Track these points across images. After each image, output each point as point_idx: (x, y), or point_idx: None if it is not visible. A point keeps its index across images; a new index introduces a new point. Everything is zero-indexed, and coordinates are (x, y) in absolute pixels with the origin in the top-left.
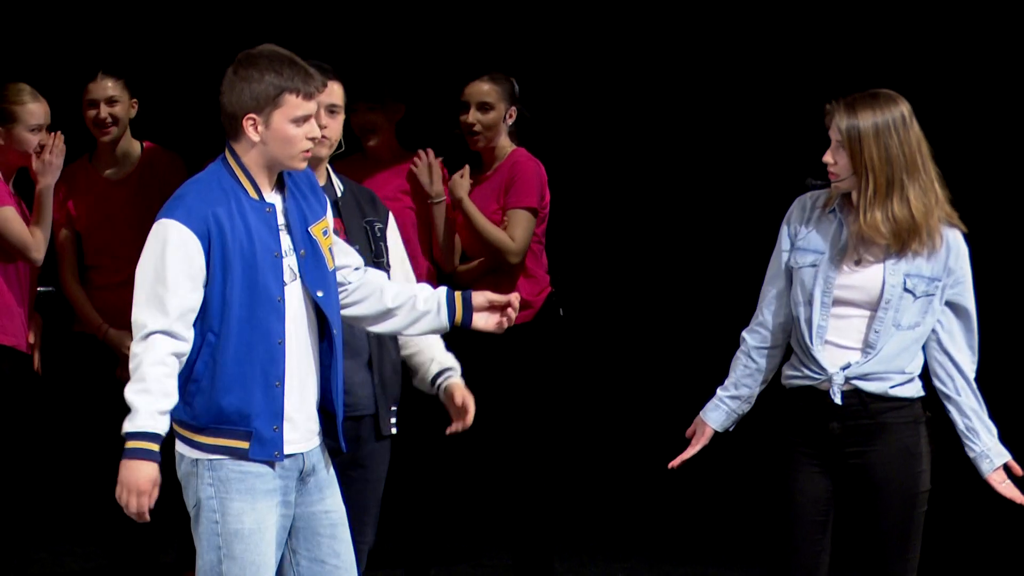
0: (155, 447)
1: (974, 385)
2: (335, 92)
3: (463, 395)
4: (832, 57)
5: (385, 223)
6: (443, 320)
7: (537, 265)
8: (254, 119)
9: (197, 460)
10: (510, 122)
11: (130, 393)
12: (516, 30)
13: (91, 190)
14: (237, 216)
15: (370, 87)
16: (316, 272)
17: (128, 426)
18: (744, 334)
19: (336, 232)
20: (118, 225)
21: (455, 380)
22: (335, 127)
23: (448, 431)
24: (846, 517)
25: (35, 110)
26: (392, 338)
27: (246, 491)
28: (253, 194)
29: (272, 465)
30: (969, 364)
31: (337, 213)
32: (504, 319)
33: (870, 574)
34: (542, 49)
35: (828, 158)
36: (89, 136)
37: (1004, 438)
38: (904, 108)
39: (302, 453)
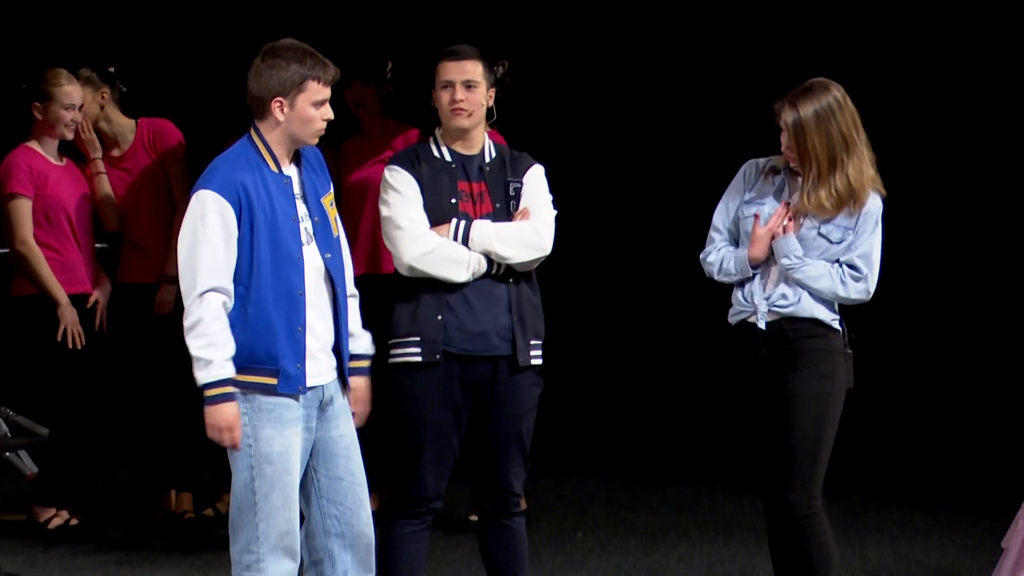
0: (231, 389)
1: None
2: (468, 69)
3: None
4: (830, 57)
5: (521, 182)
6: None
7: None
8: (281, 102)
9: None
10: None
11: (197, 348)
12: (508, 21)
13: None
14: (261, 185)
15: (363, 65)
16: (325, 237)
17: (205, 377)
18: (705, 252)
19: (482, 195)
20: (133, 192)
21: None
22: (474, 99)
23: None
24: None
25: (70, 91)
26: (528, 280)
27: (275, 420)
28: (273, 167)
29: (296, 397)
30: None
31: (482, 177)
32: None
33: (783, 478)
34: (539, 47)
35: (784, 144)
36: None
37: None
38: (837, 92)
39: (321, 386)
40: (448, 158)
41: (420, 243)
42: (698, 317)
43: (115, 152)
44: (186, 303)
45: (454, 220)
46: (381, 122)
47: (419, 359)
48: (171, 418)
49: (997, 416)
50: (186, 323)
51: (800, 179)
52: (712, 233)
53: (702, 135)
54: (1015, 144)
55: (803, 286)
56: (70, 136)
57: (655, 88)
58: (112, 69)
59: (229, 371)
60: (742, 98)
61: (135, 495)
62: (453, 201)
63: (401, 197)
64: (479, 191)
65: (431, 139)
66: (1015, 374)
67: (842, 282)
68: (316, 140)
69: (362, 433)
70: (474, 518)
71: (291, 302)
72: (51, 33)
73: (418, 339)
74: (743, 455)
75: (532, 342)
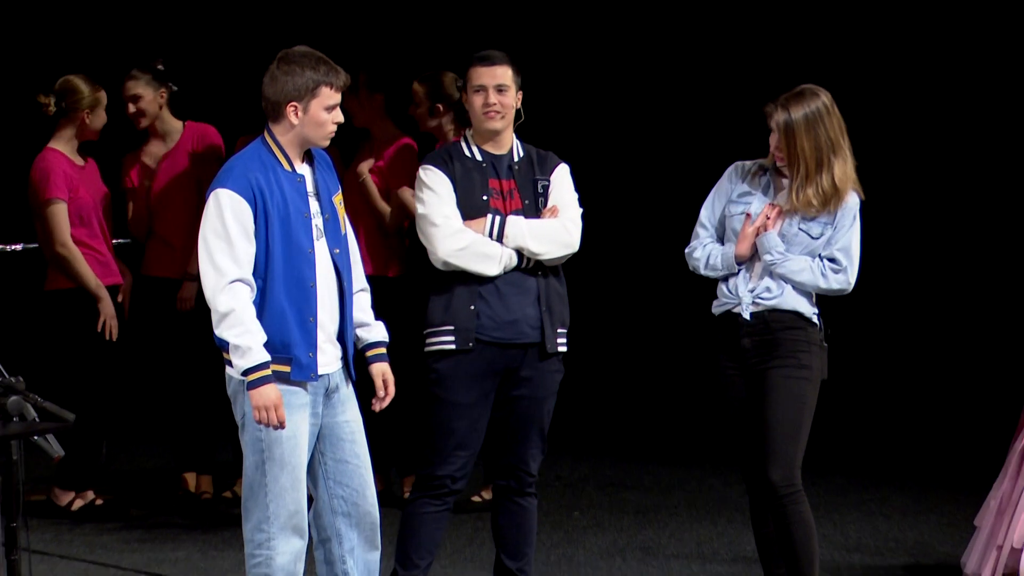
0: (270, 372)
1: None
2: (499, 74)
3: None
4: (819, 63)
5: (548, 180)
6: None
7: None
8: (295, 106)
9: (244, 381)
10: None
11: (234, 336)
12: (503, 27)
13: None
14: (274, 183)
15: (371, 77)
16: (335, 234)
17: (244, 363)
18: (688, 247)
19: (511, 192)
20: (167, 188)
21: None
22: (506, 101)
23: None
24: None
25: (103, 96)
26: (555, 272)
27: (285, 406)
28: (287, 166)
29: (306, 385)
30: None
31: (512, 175)
32: None
33: (765, 460)
34: (538, 45)
35: (772, 145)
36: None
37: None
38: (825, 98)
39: (328, 374)
40: (479, 157)
41: (455, 239)
42: (687, 308)
43: (159, 148)
44: (211, 296)
45: (489, 216)
46: (386, 130)
47: (453, 347)
48: (191, 404)
49: (970, 402)
50: (218, 313)
51: (786, 180)
52: (698, 229)
53: (700, 136)
54: (984, 144)
55: (786, 280)
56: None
57: (651, 93)
58: (160, 67)
59: (266, 355)
60: (734, 101)
61: (157, 477)
62: (484, 198)
63: (435, 195)
64: (509, 188)
65: (462, 139)
66: (986, 362)
67: (823, 275)
68: (327, 142)
69: (383, 419)
70: (477, 499)
71: (303, 294)
72: (64, 37)
73: (452, 328)
74: (726, 438)
75: (559, 330)
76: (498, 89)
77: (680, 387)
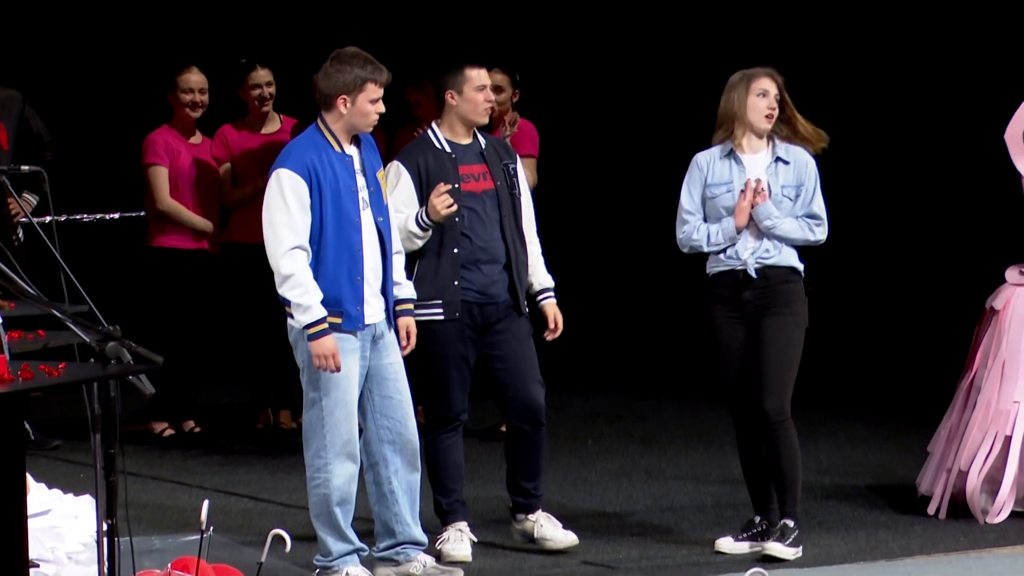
0: (327, 325)
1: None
2: (497, 77)
3: (555, 315)
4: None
5: (515, 163)
6: None
7: None
8: (345, 98)
9: (304, 332)
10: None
11: (296, 296)
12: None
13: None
14: (327, 163)
15: (414, 72)
16: (379, 204)
17: (307, 318)
18: (682, 231)
19: (483, 175)
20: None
21: (550, 302)
22: (500, 99)
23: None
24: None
25: (190, 79)
26: (522, 242)
27: (339, 351)
28: (337, 148)
29: (355, 333)
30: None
31: (483, 159)
32: None
33: (761, 394)
34: (540, 44)
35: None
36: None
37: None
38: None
39: (374, 324)
40: (448, 148)
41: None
42: (677, 264)
43: (266, 130)
44: (275, 260)
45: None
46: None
47: (442, 317)
48: (270, 347)
49: (924, 345)
50: (281, 275)
51: (747, 155)
52: (684, 215)
53: (669, 121)
54: (932, 101)
55: (782, 240)
56: (195, 116)
57: (624, 87)
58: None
59: (323, 311)
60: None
61: (239, 412)
62: (456, 185)
63: (393, 188)
64: (480, 172)
65: (430, 131)
66: (938, 309)
67: (810, 230)
68: (371, 129)
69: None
70: (504, 429)
71: (351, 257)
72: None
73: (440, 302)
74: (719, 376)
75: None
76: (496, 89)
77: (679, 333)
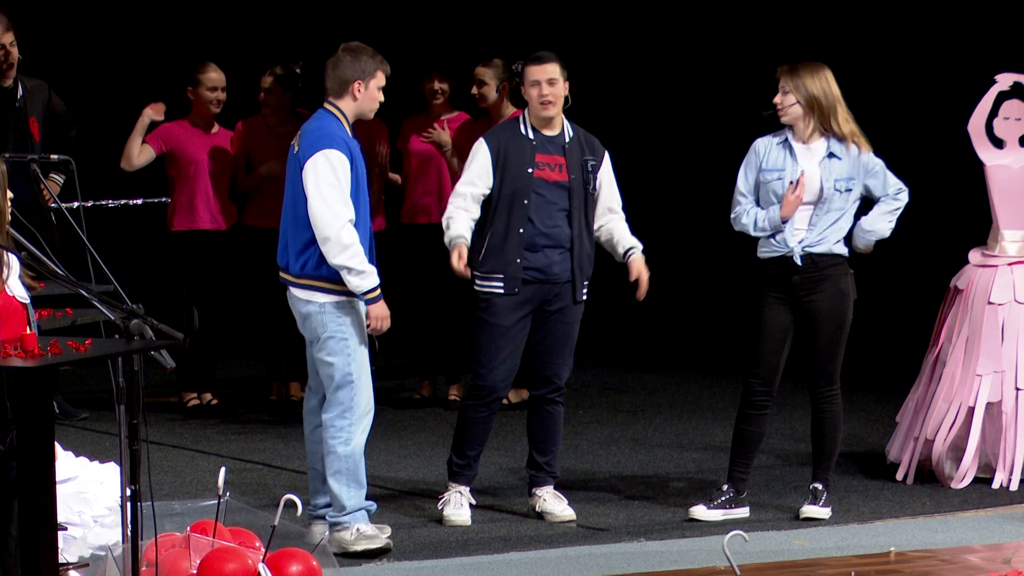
0: (380, 291)
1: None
2: (549, 70)
3: (640, 268)
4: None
5: (597, 160)
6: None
7: None
8: (360, 84)
9: (324, 303)
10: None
11: (358, 263)
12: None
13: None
14: (352, 145)
15: (441, 64)
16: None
17: (365, 284)
18: (734, 211)
19: (560, 167)
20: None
21: (636, 255)
22: (556, 92)
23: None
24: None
25: (212, 77)
26: (588, 234)
27: (361, 317)
28: (350, 132)
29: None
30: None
31: (563, 152)
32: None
33: (814, 370)
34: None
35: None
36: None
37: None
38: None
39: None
40: (531, 136)
41: (448, 206)
42: (667, 243)
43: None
44: (334, 233)
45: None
46: (446, 109)
47: (501, 291)
48: (282, 323)
49: (893, 320)
50: (342, 244)
51: (802, 144)
52: (738, 197)
53: (722, 113)
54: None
55: (878, 237)
56: (215, 111)
57: (681, 79)
58: (298, 70)
59: (378, 279)
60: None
61: (256, 384)
62: (530, 171)
63: (467, 168)
64: (557, 163)
65: (520, 118)
66: (907, 285)
67: (897, 209)
68: (373, 115)
69: (435, 336)
70: (514, 399)
71: (364, 234)
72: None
73: (502, 276)
74: (751, 350)
75: (584, 282)
76: (549, 82)
77: (666, 309)
